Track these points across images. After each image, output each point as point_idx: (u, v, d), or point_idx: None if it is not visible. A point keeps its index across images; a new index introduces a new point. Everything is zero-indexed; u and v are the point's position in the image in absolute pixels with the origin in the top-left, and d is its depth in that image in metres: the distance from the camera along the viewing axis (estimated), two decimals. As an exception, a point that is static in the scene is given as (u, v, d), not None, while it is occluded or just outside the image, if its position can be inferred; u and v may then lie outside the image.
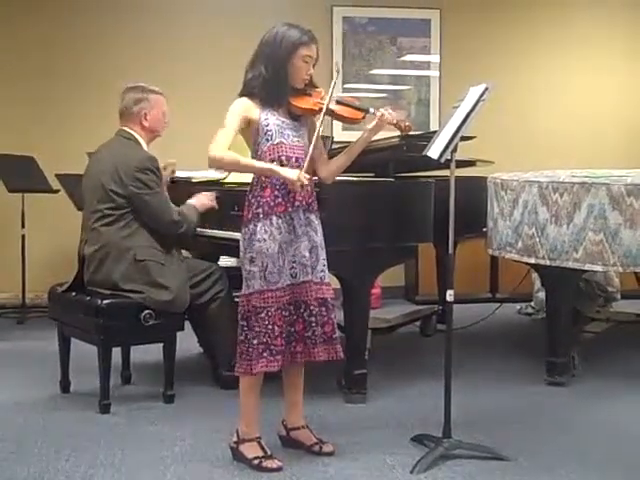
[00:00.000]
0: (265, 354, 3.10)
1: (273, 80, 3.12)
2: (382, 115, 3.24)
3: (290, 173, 3.05)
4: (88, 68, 6.38)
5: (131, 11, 6.46)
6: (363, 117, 3.30)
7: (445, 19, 6.87)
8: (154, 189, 3.89)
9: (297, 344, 3.21)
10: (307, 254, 3.16)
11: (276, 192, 3.13)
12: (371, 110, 3.27)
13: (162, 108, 4.05)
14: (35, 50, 6.32)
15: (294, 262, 3.15)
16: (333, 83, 3.15)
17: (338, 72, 3.16)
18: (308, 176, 3.06)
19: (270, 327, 3.10)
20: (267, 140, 3.14)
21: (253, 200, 3.16)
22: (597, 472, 3.13)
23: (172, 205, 3.97)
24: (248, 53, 3.20)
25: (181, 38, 6.48)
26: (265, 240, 3.10)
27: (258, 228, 3.11)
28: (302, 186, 3.03)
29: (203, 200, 4.13)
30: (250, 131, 3.16)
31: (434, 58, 6.91)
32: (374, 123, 3.26)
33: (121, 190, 3.87)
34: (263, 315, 3.10)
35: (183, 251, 4.21)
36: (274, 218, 3.12)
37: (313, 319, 3.18)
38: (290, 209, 3.14)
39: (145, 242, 3.90)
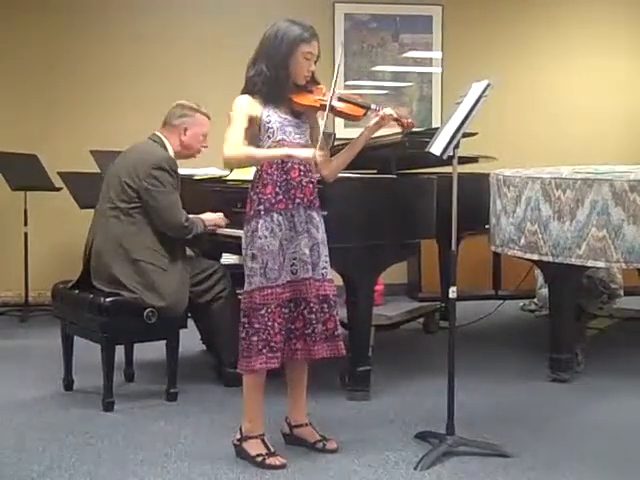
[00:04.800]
0: (264, 351, 3.10)
1: (274, 77, 3.12)
2: (383, 112, 3.23)
3: (306, 153, 3.05)
4: (90, 67, 6.38)
5: (133, 10, 6.45)
6: (364, 114, 3.29)
7: (447, 15, 6.86)
8: (167, 188, 3.90)
9: (297, 341, 3.21)
10: (307, 251, 3.15)
11: (277, 189, 3.13)
12: (372, 107, 3.26)
13: (204, 129, 4.10)
14: (37, 49, 6.31)
15: (294, 259, 3.16)
16: (334, 80, 3.14)
17: (337, 72, 3.15)
18: (322, 153, 3.06)
19: (270, 324, 3.10)
20: (269, 137, 3.14)
21: (255, 197, 3.16)
22: (600, 469, 3.13)
23: (183, 210, 3.97)
24: (250, 50, 3.20)
25: (182, 36, 6.48)
26: (266, 237, 3.10)
27: (259, 225, 3.11)
28: (316, 162, 3.02)
29: (213, 216, 4.12)
30: (253, 128, 3.15)
31: (436, 55, 6.90)
32: (375, 120, 3.26)
33: (134, 184, 3.89)
34: (263, 312, 3.10)
35: (187, 249, 4.21)
36: (275, 215, 3.12)
37: (313, 316, 3.17)
38: (291, 206, 3.14)
39: (149, 243, 3.90)
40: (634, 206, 3.86)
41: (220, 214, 4.13)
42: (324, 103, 3.15)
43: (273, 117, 3.15)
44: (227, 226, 4.09)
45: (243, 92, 3.18)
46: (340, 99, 3.26)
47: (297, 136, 3.18)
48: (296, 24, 3.15)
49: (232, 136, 3.08)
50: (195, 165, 4.66)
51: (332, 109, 3.21)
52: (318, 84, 3.24)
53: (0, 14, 6.27)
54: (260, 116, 3.13)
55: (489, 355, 4.85)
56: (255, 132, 3.15)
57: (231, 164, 3.18)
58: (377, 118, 3.24)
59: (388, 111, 3.23)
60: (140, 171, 3.89)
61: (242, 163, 3.21)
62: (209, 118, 4.13)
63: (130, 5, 6.47)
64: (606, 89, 7.15)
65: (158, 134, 4.06)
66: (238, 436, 3.24)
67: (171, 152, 4.04)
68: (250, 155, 3.10)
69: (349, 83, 6.74)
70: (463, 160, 3.98)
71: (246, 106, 3.13)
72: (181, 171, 4.50)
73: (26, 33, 6.30)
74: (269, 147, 3.13)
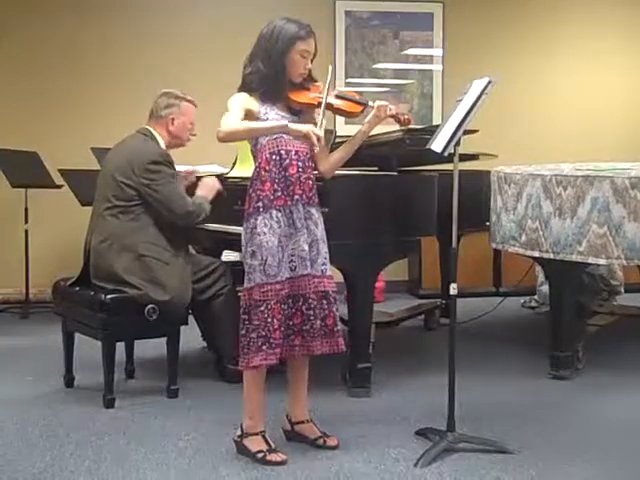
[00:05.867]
0: (264, 347, 3.10)
1: (270, 75, 3.12)
2: (380, 108, 3.24)
3: (300, 127, 3.05)
4: (91, 64, 6.39)
5: (132, 8, 6.46)
6: (362, 111, 3.30)
7: (448, 13, 6.86)
8: (167, 180, 3.90)
9: (295, 337, 3.20)
10: (306, 247, 3.15)
11: (275, 186, 3.13)
12: (370, 103, 3.27)
13: (191, 117, 4.08)
14: (37, 47, 6.32)
15: (293, 255, 3.15)
16: (329, 78, 3.15)
17: (332, 71, 3.17)
18: (321, 133, 3.05)
19: (269, 320, 3.10)
20: (266, 135, 3.14)
21: (253, 194, 3.16)
22: (600, 465, 3.13)
23: (187, 197, 3.97)
24: (249, 48, 3.20)
25: (182, 34, 6.48)
26: (265, 233, 3.10)
27: (258, 222, 3.11)
28: (318, 139, 3.01)
29: (209, 185, 4.11)
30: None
31: (437, 52, 6.90)
32: (372, 116, 3.26)
33: (131, 182, 3.88)
34: (262, 308, 3.10)
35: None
36: (274, 212, 3.12)
37: (311, 312, 3.18)
38: (289, 202, 3.14)
39: (151, 239, 3.90)
40: (635, 203, 3.86)
41: (213, 178, 4.14)
42: (321, 100, 3.16)
43: (270, 114, 3.15)
44: (228, 223, 4.08)
45: (240, 90, 3.18)
46: (337, 96, 3.27)
47: None
48: (293, 22, 3.15)
49: (229, 116, 3.07)
50: (197, 162, 4.65)
51: (330, 106, 3.22)
52: (315, 81, 3.24)
53: (0, 13, 6.28)
54: (257, 113, 3.14)
55: (490, 352, 4.85)
56: None
57: (226, 138, 3.07)
58: (374, 112, 3.25)
59: (383, 103, 3.24)
60: (136, 168, 3.87)
61: (238, 136, 3.15)
62: (195, 105, 4.11)
63: (131, 4, 6.47)
64: (606, 87, 7.15)
65: (148, 127, 4.04)
66: (239, 432, 3.24)
67: (163, 145, 4.02)
68: (247, 128, 3.09)
69: (350, 80, 6.74)
70: (464, 157, 3.98)
71: (243, 101, 3.13)
72: (182, 168, 4.51)
73: (26, 32, 6.30)
74: (267, 143, 3.14)
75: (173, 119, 4.03)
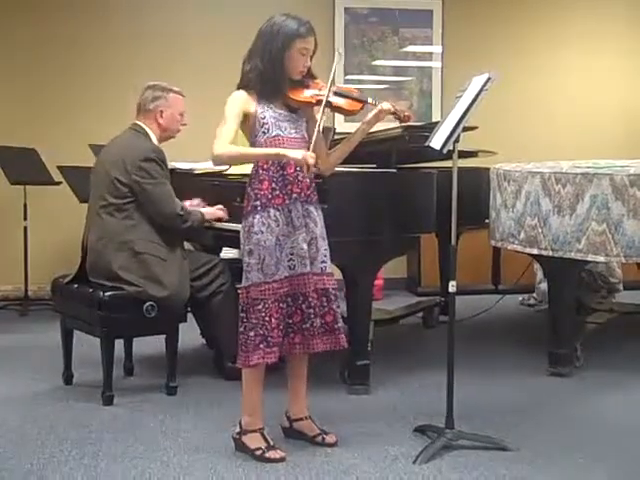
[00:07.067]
0: (262, 346, 3.10)
1: (269, 72, 3.11)
2: (381, 106, 3.23)
3: (295, 154, 3.03)
4: (89, 61, 6.38)
5: (131, 7, 6.45)
6: (361, 108, 3.28)
7: (447, 10, 6.86)
8: (158, 179, 3.89)
9: (295, 335, 3.20)
10: (305, 246, 3.15)
11: (273, 185, 3.12)
12: (369, 100, 3.26)
13: (179, 108, 4.07)
14: (36, 44, 6.31)
15: (292, 254, 3.15)
16: (331, 78, 3.13)
17: (340, 55, 3.14)
18: (314, 155, 3.03)
19: (267, 319, 3.10)
20: (264, 133, 3.13)
21: (252, 193, 3.16)
22: (599, 463, 3.13)
23: (177, 199, 3.96)
24: (248, 45, 3.19)
25: (181, 32, 6.47)
26: (262, 232, 3.10)
27: (256, 220, 3.11)
28: (309, 167, 3.00)
29: (212, 209, 4.10)
30: (248, 124, 3.15)
31: (436, 49, 6.90)
32: (372, 114, 3.25)
33: (125, 179, 3.87)
34: (260, 307, 3.10)
35: (186, 243, 4.21)
36: (271, 210, 3.11)
37: (311, 311, 3.17)
38: (288, 201, 3.13)
39: (147, 236, 3.90)
40: (634, 200, 3.86)
41: (219, 206, 4.13)
42: (320, 99, 3.14)
43: (268, 113, 3.14)
44: (228, 220, 4.08)
45: (239, 87, 3.17)
46: (336, 94, 3.24)
47: (293, 131, 3.16)
48: (293, 19, 3.13)
49: (222, 134, 3.07)
50: (195, 159, 4.65)
51: (329, 104, 3.20)
52: (315, 79, 3.22)
53: (0, 13, 6.27)
54: (255, 112, 3.13)
55: (488, 350, 4.85)
56: (250, 128, 3.14)
57: (221, 161, 3.16)
58: (375, 111, 3.24)
59: (385, 105, 3.23)
60: (129, 165, 3.86)
61: (232, 161, 3.21)
62: (183, 95, 4.09)
63: (130, 3, 6.46)
64: (604, 85, 7.16)
65: (139, 123, 4.02)
66: (238, 430, 3.24)
67: (155, 140, 4.01)
68: (242, 154, 3.11)
69: (349, 77, 6.74)
70: (463, 154, 3.97)
71: (240, 104, 3.12)
72: (181, 165, 4.51)
73: (26, 29, 6.29)
74: (264, 141, 3.12)
75: (162, 111, 4.01)
